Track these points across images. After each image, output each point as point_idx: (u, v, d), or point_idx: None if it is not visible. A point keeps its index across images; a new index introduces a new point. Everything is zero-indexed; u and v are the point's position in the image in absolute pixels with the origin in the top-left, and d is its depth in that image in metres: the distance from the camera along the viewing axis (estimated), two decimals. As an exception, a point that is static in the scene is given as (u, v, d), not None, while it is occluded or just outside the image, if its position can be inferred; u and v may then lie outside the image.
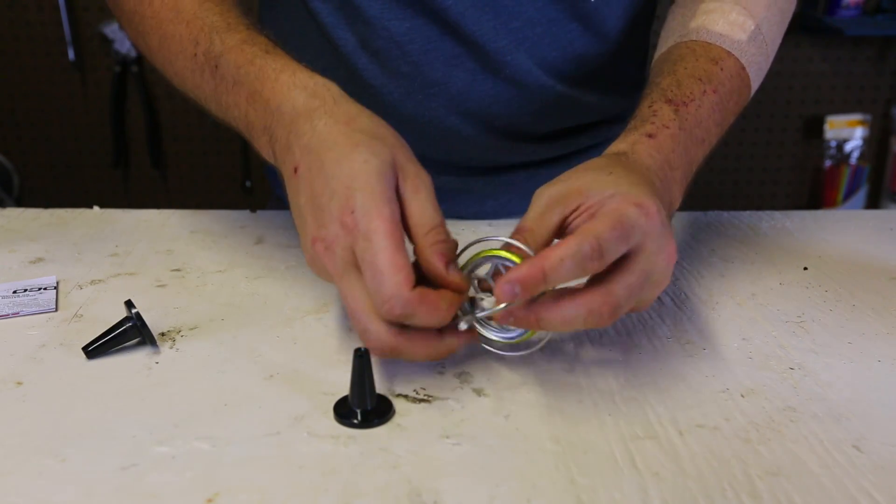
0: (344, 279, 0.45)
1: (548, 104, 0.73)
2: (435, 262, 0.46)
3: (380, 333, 0.45)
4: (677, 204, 0.54)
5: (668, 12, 0.69)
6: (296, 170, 0.48)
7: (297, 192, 0.48)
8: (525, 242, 0.46)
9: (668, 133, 0.54)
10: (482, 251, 0.48)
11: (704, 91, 0.58)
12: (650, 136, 0.54)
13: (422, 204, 0.46)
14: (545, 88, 0.72)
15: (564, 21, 0.70)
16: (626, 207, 0.45)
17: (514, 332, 0.48)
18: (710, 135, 0.58)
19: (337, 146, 0.46)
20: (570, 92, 0.73)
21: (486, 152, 0.76)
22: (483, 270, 0.49)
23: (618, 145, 0.54)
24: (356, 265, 0.45)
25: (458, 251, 0.48)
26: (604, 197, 0.46)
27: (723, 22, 0.62)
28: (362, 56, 0.71)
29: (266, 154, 0.53)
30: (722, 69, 0.60)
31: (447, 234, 0.47)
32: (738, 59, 0.61)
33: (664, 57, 0.63)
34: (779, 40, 0.67)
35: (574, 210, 0.47)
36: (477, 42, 0.68)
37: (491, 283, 0.48)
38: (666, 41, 0.65)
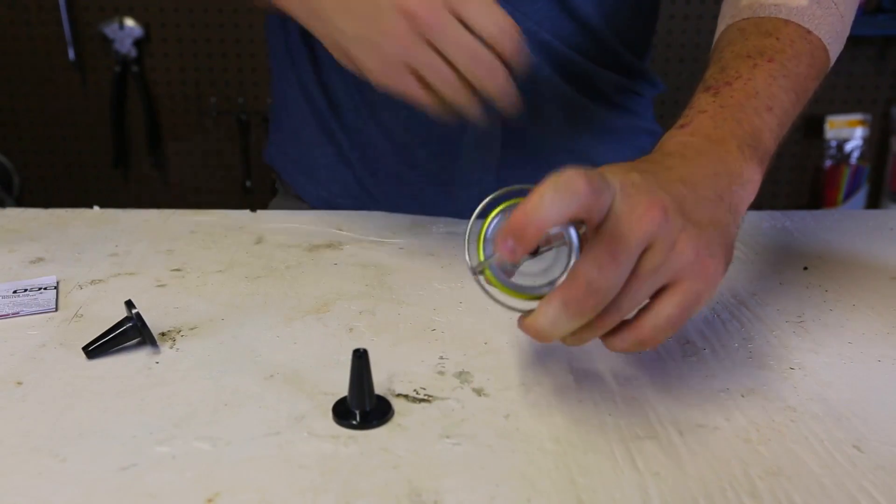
0: (449, 25, 0.52)
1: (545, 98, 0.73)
2: None
3: (490, 56, 0.53)
4: (749, 175, 0.50)
5: None
6: None
7: None
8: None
9: (704, 116, 0.52)
10: (498, 208, 0.47)
11: (755, 64, 0.55)
12: (681, 126, 0.52)
13: None
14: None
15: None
16: (595, 170, 0.43)
17: (527, 285, 0.45)
18: (779, 101, 0.54)
19: None
20: (557, 80, 0.74)
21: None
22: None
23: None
24: (453, 12, 0.52)
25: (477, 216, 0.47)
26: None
27: None
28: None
29: None
30: (778, 38, 0.57)
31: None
32: (799, 25, 0.58)
33: (715, 45, 0.61)
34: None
35: None
36: None
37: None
38: (720, 26, 0.63)
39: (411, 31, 0.53)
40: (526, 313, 0.44)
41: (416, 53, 0.53)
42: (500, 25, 0.53)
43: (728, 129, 0.51)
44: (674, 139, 0.51)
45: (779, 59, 0.56)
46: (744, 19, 0.60)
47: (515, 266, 0.46)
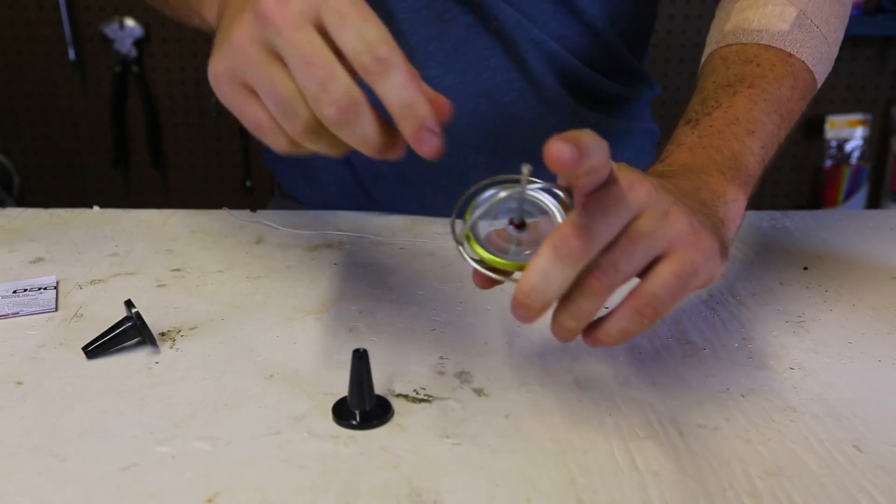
0: (300, 31, 0.40)
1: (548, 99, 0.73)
2: None
3: (348, 82, 0.40)
4: (732, 195, 0.50)
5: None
6: None
7: None
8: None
9: (683, 148, 0.53)
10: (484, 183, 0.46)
11: (735, 91, 0.56)
12: (662, 160, 0.54)
13: None
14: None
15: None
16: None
17: (509, 254, 0.44)
18: (761, 124, 0.55)
19: None
20: (562, 91, 0.73)
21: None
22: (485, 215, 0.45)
23: None
24: (316, 23, 0.40)
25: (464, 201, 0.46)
26: None
27: (758, 17, 0.61)
28: None
29: None
30: (759, 64, 0.58)
31: None
32: (780, 49, 0.59)
33: (699, 72, 0.62)
34: (837, 21, 0.63)
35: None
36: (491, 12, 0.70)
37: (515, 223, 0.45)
38: (706, 50, 0.64)
39: (256, 36, 0.41)
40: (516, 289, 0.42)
41: (252, 65, 0.41)
42: (372, 44, 0.40)
43: (707, 156, 0.52)
44: (655, 171, 0.52)
45: (759, 83, 0.57)
46: (726, 45, 0.61)
47: (507, 244, 0.45)
